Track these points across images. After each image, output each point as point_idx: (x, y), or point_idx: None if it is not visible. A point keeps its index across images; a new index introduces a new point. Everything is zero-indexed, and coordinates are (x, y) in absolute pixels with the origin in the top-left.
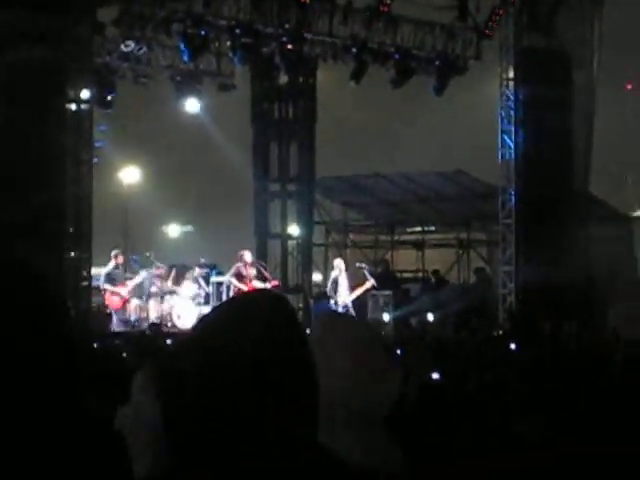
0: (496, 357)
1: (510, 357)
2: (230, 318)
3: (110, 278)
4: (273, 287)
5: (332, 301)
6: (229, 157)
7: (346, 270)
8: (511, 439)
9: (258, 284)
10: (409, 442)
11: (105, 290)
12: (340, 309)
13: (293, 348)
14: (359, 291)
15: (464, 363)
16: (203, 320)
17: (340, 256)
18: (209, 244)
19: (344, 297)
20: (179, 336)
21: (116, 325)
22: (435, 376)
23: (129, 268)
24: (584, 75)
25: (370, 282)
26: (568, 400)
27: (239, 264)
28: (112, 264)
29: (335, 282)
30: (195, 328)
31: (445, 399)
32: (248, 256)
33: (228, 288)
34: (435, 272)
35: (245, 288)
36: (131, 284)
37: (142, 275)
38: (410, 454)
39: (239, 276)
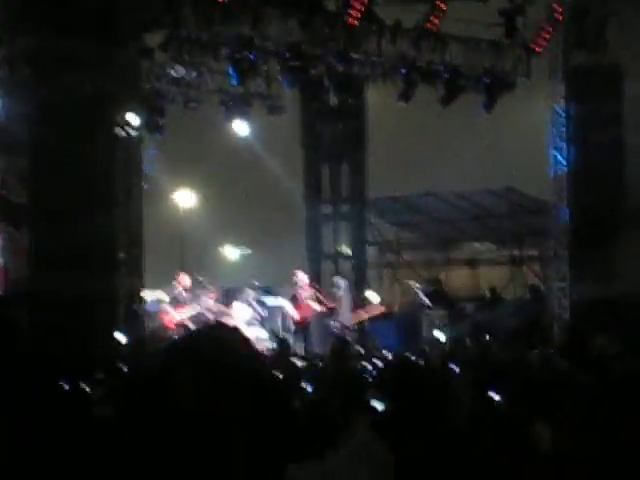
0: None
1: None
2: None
3: (175, 301)
4: (328, 310)
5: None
6: (281, 179)
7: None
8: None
9: (314, 306)
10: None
11: (164, 313)
12: (336, 331)
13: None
14: (365, 313)
15: (521, 385)
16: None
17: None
18: (267, 266)
19: (344, 318)
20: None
21: None
22: (496, 397)
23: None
24: (636, 87)
25: (380, 308)
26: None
27: (295, 287)
28: (177, 288)
29: (294, 298)
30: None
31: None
32: (303, 278)
33: (282, 310)
34: (492, 290)
35: (298, 312)
36: (189, 311)
37: (197, 299)
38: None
39: (294, 299)
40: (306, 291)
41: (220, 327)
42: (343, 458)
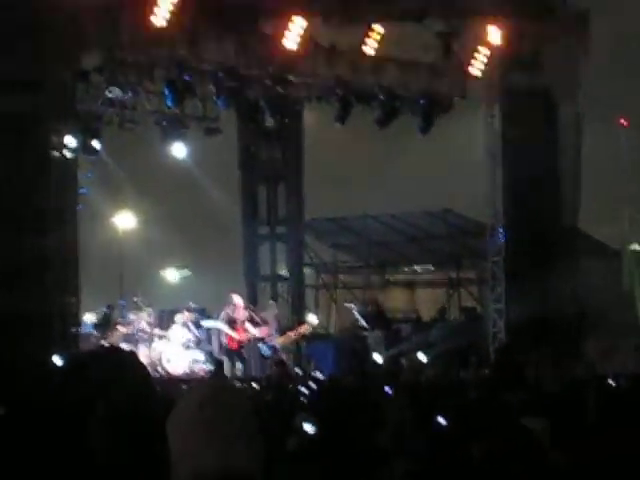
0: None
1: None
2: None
3: (104, 322)
4: (264, 333)
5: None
6: (218, 200)
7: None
8: None
9: (250, 328)
10: None
11: (94, 336)
12: (268, 352)
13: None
14: (292, 335)
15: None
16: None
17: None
18: (205, 288)
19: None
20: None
21: None
22: (441, 421)
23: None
24: (570, 110)
25: (305, 327)
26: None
27: (228, 309)
28: (103, 312)
29: (230, 320)
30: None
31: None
32: (238, 299)
33: (219, 332)
34: (441, 309)
35: (235, 334)
36: (124, 328)
37: (132, 320)
38: None
39: (230, 321)
40: (241, 313)
41: (113, 350)
42: None
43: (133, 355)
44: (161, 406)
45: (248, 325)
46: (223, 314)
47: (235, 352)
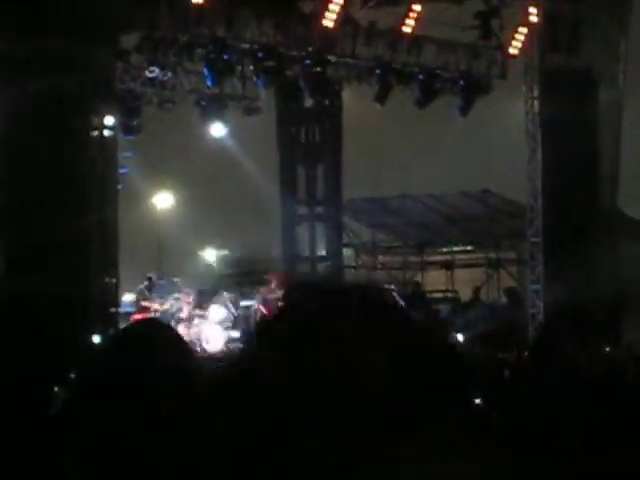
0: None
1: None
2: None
3: (142, 296)
4: None
5: None
6: (257, 181)
7: None
8: None
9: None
10: None
11: (138, 308)
12: None
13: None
14: None
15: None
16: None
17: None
18: (244, 266)
19: None
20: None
21: None
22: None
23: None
24: (610, 93)
25: None
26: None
27: (264, 289)
28: (144, 284)
29: (265, 300)
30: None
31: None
32: (274, 280)
33: (256, 313)
34: (476, 289)
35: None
36: (161, 308)
37: (171, 300)
38: None
39: (265, 301)
40: (277, 293)
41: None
42: None
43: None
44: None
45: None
46: (259, 296)
47: None
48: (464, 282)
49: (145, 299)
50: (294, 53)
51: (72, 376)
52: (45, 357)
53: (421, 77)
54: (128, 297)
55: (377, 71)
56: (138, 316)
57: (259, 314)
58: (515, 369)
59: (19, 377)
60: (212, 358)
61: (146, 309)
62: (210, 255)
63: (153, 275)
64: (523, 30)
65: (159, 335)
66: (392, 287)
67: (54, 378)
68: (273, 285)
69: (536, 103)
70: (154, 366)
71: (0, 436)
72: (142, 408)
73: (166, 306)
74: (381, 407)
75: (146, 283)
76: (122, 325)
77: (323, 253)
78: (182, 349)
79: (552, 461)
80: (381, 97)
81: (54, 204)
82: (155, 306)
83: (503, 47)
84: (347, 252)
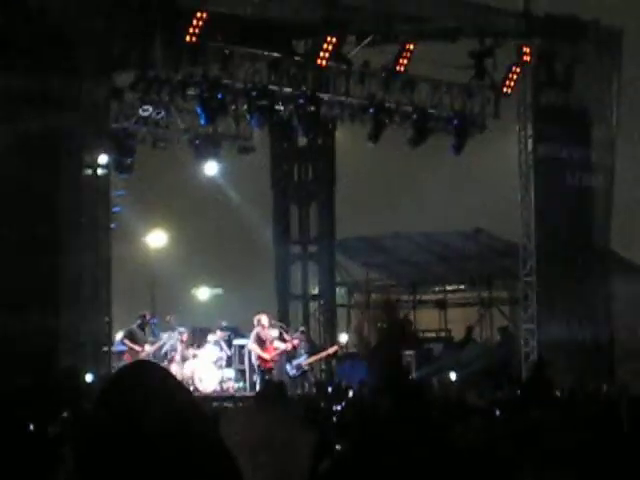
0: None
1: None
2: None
3: (132, 336)
4: (292, 347)
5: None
6: (250, 219)
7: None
8: None
9: (279, 345)
10: None
11: (126, 348)
12: (294, 372)
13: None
14: (321, 355)
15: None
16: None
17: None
18: (239, 306)
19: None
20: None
21: None
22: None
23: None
24: (603, 131)
25: (335, 348)
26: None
27: (258, 329)
28: (137, 323)
29: (260, 340)
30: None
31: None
32: (265, 320)
33: (250, 352)
34: (468, 329)
35: (265, 354)
36: (153, 347)
37: (164, 339)
38: None
39: (259, 341)
40: (270, 332)
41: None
42: None
43: (167, 371)
44: (208, 423)
45: (277, 342)
46: (253, 335)
47: (269, 370)
48: (457, 321)
49: (132, 340)
50: (287, 91)
51: (64, 415)
52: (40, 394)
53: (415, 116)
54: (120, 336)
55: (370, 110)
56: (128, 357)
57: (256, 357)
58: (507, 408)
59: (15, 415)
60: (206, 397)
61: (133, 350)
62: (204, 293)
63: (147, 313)
64: (517, 69)
65: (152, 376)
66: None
67: (48, 416)
68: (264, 323)
69: (529, 142)
70: (150, 407)
71: None
72: (139, 450)
73: (157, 345)
74: None
75: (139, 322)
76: (114, 363)
77: (316, 291)
78: (177, 388)
79: None
80: (374, 136)
81: (46, 242)
82: (141, 348)
83: (497, 86)
84: (340, 291)
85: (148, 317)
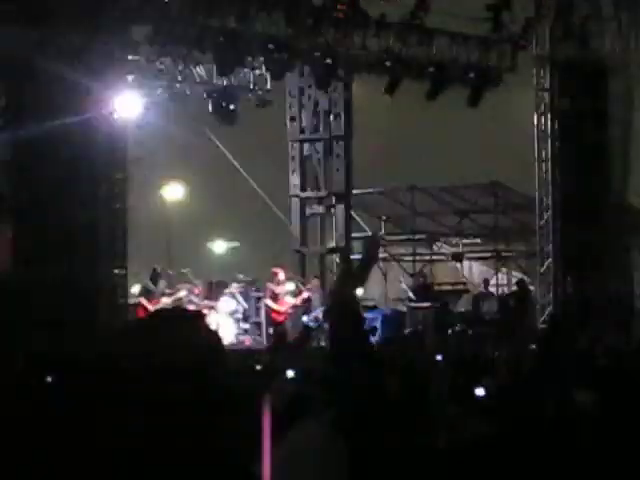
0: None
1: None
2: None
3: (147, 292)
4: (304, 300)
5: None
6: (269, 173)
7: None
8: None
9: (290, 300)
10: None
11: (139, 303)
12: (311, 323)
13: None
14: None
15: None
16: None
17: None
18: (255, 259)
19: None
20: None
21: None
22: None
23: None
24: (621, 84)
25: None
26: None
27: (270, 284)
28: (148, 277)
29: (273, 294)
30: None
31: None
32: (281, 274)
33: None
34: (485, 281)
35: (278, 306)
36: (170, 298)
37: (182, 290)
38: None
39: (273, 295)
40: (284, 287)
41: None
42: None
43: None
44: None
45: (289, 297)
46: (267, 291)
47: (280, 324)
48: (473, 274)
49: (147, 297)
50: (304, 44)
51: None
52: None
53: (431, 69)
54: (136, 288)
55: (387, 63)
56: (141, 312)
57: (269, 310)
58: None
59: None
60: None
61: (146, 309)
62: (220, 247)
63: (157, 266)
64: (534, 22)
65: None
66: (401, 278)
67: (66, 366)
68: (280, 278)
69: (546, 95)
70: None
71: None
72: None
73: (174, 297)
74: None
75: (151, 275)
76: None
77: (332, 245)
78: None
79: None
80: (391, 89)
81: (61, 193)
82: (157, 302)
83: (514, 39)
84: (356, 244)
85: (159, 269)
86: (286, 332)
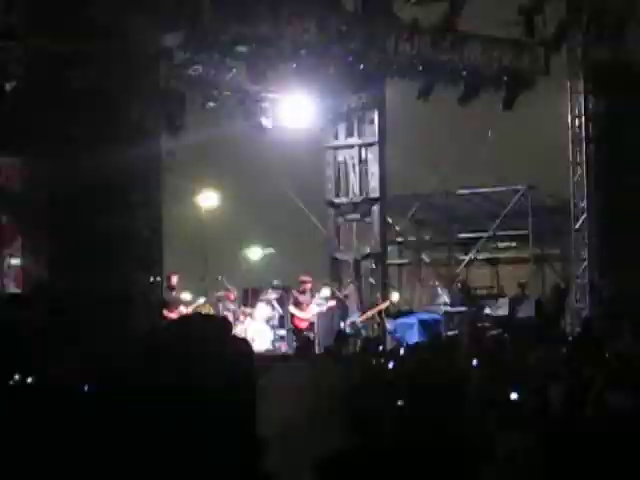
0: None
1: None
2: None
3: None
4: (339, 302)
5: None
6: (303, 178)
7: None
8: None
9: (314, 308)
10: None
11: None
12: (348, 330)
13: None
14: (372, 311)
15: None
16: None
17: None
18: (290, 266)
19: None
20: None
21: None
22: (513, 396)
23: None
24: None
25: (385, 303)
26: None
27: (295, 291)
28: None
29: (297, 301)
30: None
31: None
32: (307, 282)
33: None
34: (521, 285)
35: (301, 313)
36: (189, 308)
37: (200, 299)
38: None
39: (296, 302)
40: (308, 296)
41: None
42: None
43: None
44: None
45: (314, 306)
46: (292, 297)
47: (302, 331)
48: (509, 279)
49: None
50: (336, 49)
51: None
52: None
53: (464, 73)
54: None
55: (420, 68)
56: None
57: (291, 317)
58: (560, 365)
59: (67, 374)
60: (260, 357)
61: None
62: (255, 254)
63: (171, 274)
64: (567, 24)
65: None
66: (438, 283)
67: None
68: (307, 287)
69: (580, 98)
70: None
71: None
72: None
73: (194, 305)
74: None
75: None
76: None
77: (367, 250)
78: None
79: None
80: (424, 93)
81: (97, 201)
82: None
83: (546, 43)
84: (391, 249)
85: (174, 278)
86: (310, 339)
